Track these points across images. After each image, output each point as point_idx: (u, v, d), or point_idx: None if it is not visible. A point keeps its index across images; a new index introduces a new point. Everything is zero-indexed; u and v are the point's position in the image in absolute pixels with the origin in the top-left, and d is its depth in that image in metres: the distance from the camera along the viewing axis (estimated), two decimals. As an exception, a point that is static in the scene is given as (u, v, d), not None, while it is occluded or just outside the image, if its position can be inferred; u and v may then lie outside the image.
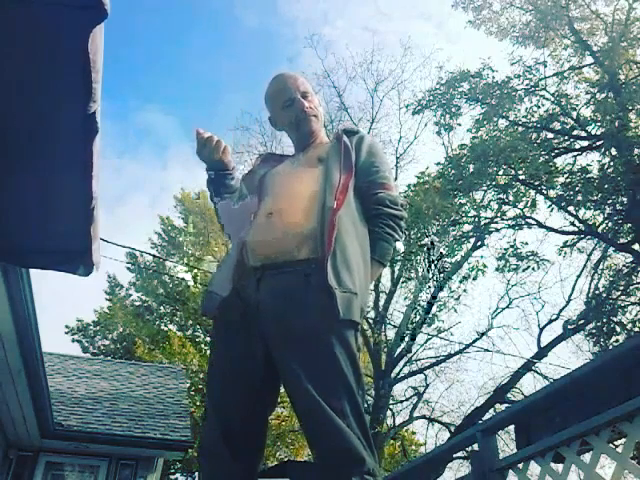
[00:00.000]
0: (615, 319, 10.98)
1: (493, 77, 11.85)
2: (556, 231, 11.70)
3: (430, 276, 13.30)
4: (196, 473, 18.26)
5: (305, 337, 1.49)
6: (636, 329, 10.65)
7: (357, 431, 1.42)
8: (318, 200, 1.67)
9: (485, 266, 11.73)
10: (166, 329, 19.56)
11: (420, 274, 13.57)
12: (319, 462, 1.45)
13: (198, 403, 16.85)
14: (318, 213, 1.64)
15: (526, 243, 11.29)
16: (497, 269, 11.48)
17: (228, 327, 1.65)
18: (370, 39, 40.63)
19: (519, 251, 11.16)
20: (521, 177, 10.97)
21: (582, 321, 11.83)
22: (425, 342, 14.29)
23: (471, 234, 12.07)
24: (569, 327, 12.10)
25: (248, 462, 1.56)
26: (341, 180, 1.70)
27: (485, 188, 11.37)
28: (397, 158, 15.08)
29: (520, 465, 2.48)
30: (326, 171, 1.74)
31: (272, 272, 1.59)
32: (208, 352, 18.46)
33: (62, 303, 29.50)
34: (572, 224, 11.44)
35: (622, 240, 11.06)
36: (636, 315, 11.22)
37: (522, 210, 11.35)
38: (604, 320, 10.93)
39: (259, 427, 1.62)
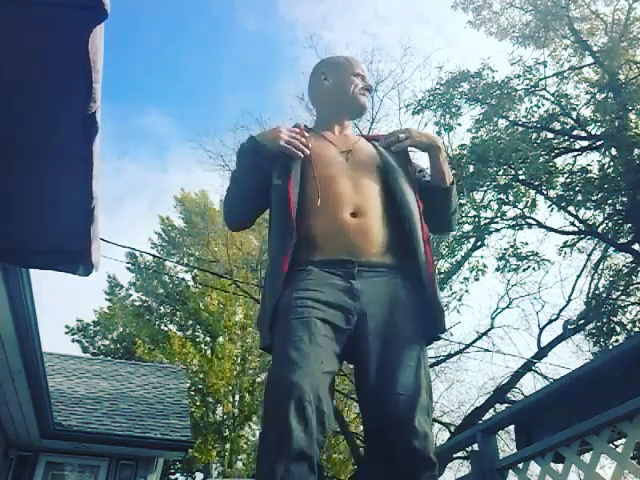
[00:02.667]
0: (615, 319, 10.97)
1: (493, 77, 11.85)
2: (556, 231, 11.70)
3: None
4: (196, 473, 18.25)
5: (403, 339, 1.54)
6: (636, 329, 10.65)
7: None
8: (393, 212, 1.69)
9: (485, 266, 11.71)
10: (166, 329, 19.57)
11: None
12: (390, 458, 1.46)
13: (198, 403, 16.87)
14: (395, 223, 1.68)
15: (526, 243, 11.28)
16: (497, 269, 11.46)
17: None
18: (369, 42, 40.68)
19: (519, 251, 11.14)
20: (521, 177, 10.96)
21: (582, 321, 11.82)
22: (425, 342, 14.26)
23: (471, 234, 12.05)
24: (569, 327, 12.08)
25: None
26: (419, 204, 1.75)
27: (485, 188, 11.37)
28: (397, 158, 15.04)
29: (520, 465, 2.48)
30: (395, 184, 1.74)
31: (366, 269, 1.60)
32: (208, 352, 18.52)
33: (62, 303, 29.51)
34: (572, 224, 11.43)
35: (622, 240, 11.05)
36: (636, 315, 11.21)
37: (522, 210, 11.34)
38: (604, 320, 10.91)
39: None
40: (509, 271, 11.46)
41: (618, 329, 10.74)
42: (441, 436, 14.76)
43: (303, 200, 1.67)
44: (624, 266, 11.64)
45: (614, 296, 11.37)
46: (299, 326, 1.46)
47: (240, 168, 1.83)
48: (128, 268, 19.79)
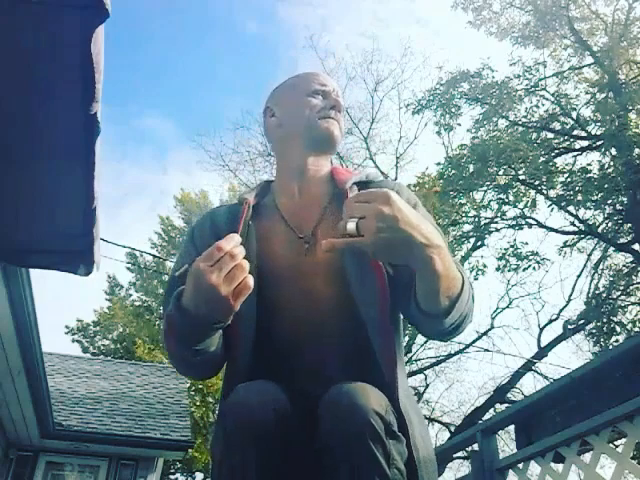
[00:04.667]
0: (615, 319, 10.98)
1: (493, 77, 11.88)
2: (556, 231, 11.71)
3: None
4: (196, 473, 18.25)
5: None
6: (636, 329, 10.66)
7: None
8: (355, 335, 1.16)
9: (485, 266, 11.73)
10: (166, 329, 19.57)
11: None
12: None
13: (198, 403, 16.87)
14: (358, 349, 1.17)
15: (526, 243, 11.30)
16: (497, 269, 11.48)
17: None
18: (369, 44, 40.84)
19: (519, 251, 11.16)
20: (521, 177, 10.97)
21: (582, 321, 11.83)
22: (425, 342, 14.30)
23: (471, 234, 12.07)
24: (569, 327, 12.10)
25: None
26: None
27: (485, 188, 11.38)
28: (397, 158, 15.09)
29: (520, 465, 2.48)
30: (355, 293, 1.18)
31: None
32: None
33: (62, 303, 29.49)
34: (572, 224, 11.45)
35: (622, 240, 11.06)
36: (636, 315, 11.22)
37: (522, 210, 11.36)
38: (604, 320, 10.92)
39: None
40: (509, 271, 11.49)
41: (618, 329, 10.76)
42: (441, 436, 14.79)
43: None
44: (624, 266, 11.66)
45: (614, 296, 11.38)
46: None
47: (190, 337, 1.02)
48: (128, 268, 19.81)
